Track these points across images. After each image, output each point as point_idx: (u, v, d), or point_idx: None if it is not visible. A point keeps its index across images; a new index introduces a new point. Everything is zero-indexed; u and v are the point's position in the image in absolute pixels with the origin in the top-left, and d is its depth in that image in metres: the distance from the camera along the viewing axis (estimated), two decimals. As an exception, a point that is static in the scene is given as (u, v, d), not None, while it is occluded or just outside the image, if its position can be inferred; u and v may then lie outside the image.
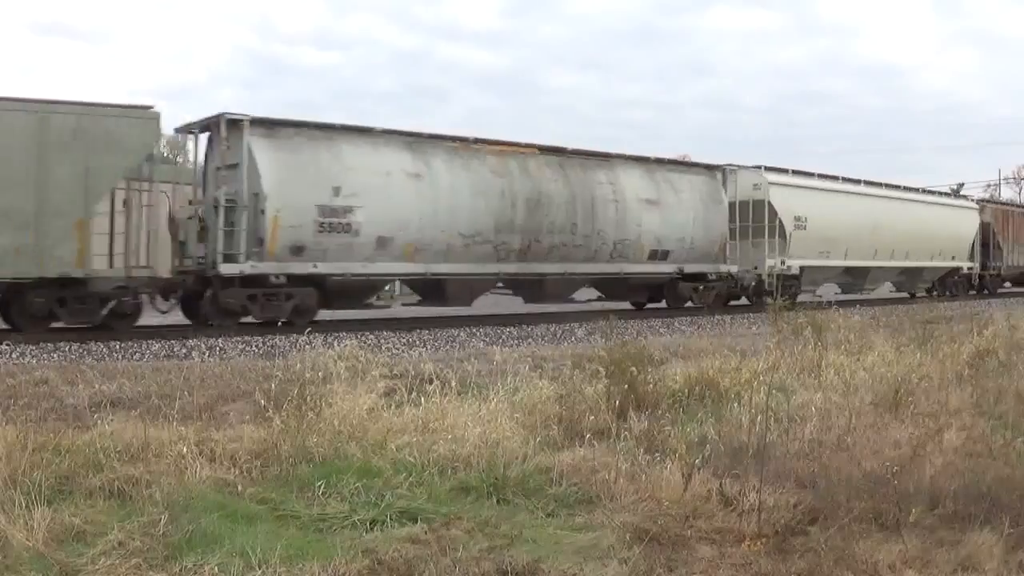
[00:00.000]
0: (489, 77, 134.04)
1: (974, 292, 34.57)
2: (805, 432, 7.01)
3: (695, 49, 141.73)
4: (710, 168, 24.51)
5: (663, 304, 23.21)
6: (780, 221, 25.06)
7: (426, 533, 4.88)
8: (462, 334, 16.37)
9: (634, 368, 7.95)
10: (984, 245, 35.93)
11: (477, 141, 19.57)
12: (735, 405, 7.80)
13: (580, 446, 6.54)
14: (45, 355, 12.34)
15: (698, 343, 13.88)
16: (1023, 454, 6.52)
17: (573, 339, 16.36)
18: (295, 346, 13.24)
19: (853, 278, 29.27)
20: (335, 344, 11.11)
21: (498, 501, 5.59)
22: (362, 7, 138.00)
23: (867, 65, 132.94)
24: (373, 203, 17.16)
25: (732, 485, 5.55)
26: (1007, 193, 72.46)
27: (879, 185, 30.30)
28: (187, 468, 5.67)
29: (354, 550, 4.60)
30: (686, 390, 8.66)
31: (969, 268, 34.63)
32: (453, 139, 19.29)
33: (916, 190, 32.72)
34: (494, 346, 13.78)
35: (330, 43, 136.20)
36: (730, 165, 24.96)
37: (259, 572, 4.22)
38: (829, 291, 28.49)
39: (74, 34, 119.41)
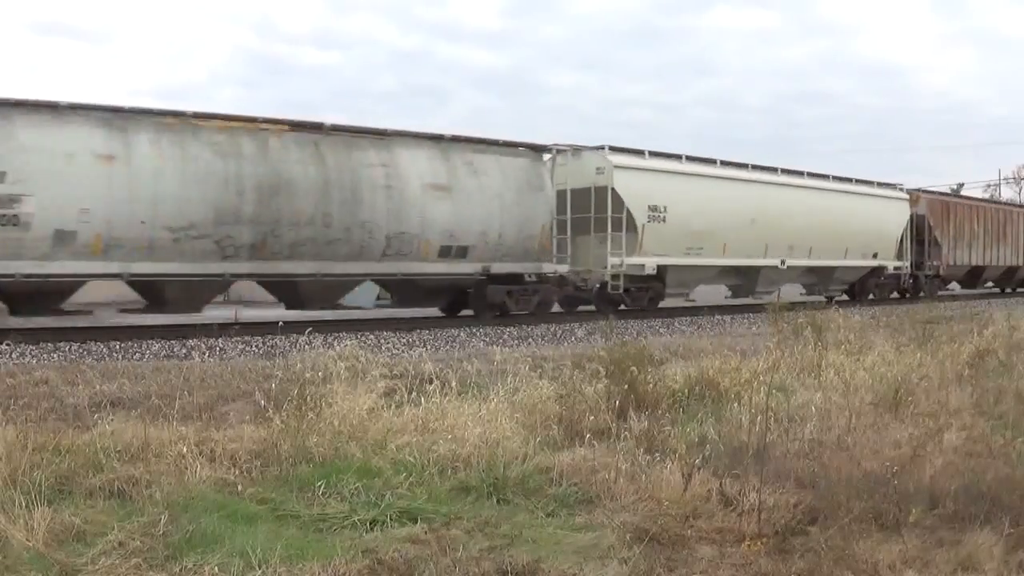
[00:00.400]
0: (489, 77, 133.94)
1: (906, 295, 29.99)
2: (805, 432, 7.01)
3: (695, 49, 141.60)
4: (533, 148, 20.40)
5: (476, 312, 19.48)
6: (629, 211, 20.90)
7: (426, 533, 4.88)
8: (462, 334, 16.37)
9: (634, 368, 7.95)
10: (919, 242, 31.18)
11: (198, 116, 16.19)
12: (735, 405, 7.80)
13: (580, 446, 6.54)
14: (45, 355, 12.34)
15: (698, 343, 13.90)
16: (1023, 454, 6.52)
17: (573, 339, 16.37)
18: (295, 346, 13.24)
19: (743, 279, 25.11)
20: (335, 344, 11.10)
21: (498, 501, 5.59)
22: (362, 7, 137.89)
23: (867, 65, 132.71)
24: (48, 191, 14.23)
25: (732, 485, 5.56)
26: (1007, 193, 72.42)
27: (772, 170, 25.59)
28: (187, 468, 5.67)
29: (354, 550, 4.60)
30: (686, 390, 8.66)
31: (897, 268, 29.73)
32: (166, 114, 16.02)
33: (825, 177, 27.49)
34: (494, 346, 13.77)
35: (330, 43, 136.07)
36: (561, 145, 21.08)
37: (259, 572, 4.22)
38: (714, 294, 25.40)
39: (74, 34, 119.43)
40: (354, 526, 5.04)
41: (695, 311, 22.16)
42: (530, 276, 19.66)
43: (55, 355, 12.38)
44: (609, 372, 8.12)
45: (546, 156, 20.70)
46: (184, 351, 13.03)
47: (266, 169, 16.24)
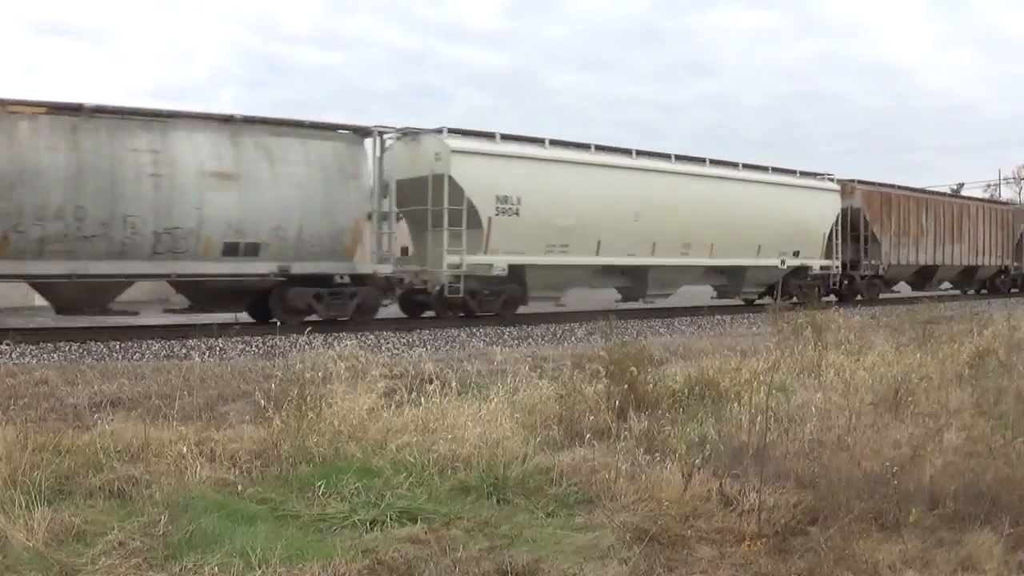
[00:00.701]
0: (490, 77, 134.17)
1: (832, 299, 24.73)
2: (805, 432, 7.01)
3: (696, 49, 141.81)
4: (352, 131, 17.60)
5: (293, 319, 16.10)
6: (471, 203, 18.02)
7: (426, 533, 4.88)
8: (462, 334, 16.37)
9: (634, 368, 7.95)
10: (854, 238, 27.71)
11: None
12: (735, 405, 7.80)
13: (580, 446, 6.54)
14: (45, 355, 12.34)
15: (698, 343, 13.90)
16: (1023, 454, 6.52)
17: (573, 339, 16.37)
18: (295, 346, 13.24)
19: (631, 281, 21.97)
20: (335, 344, 11.11)
21: (498, 501, 5.59)
22: (363, 7, 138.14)
23: (868, 65, 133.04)
24: None
25: (732, 485, 5.56)
26: (1007, 193, 72.30)
27: (664, 157, 22.12)
28: (187, 468, 5.67)
29: (354, 550, 4.61)
30: (686, 390, 8.65)
31: (824, 268, 26.03)
32: None
33: (733, 165, 23.74)
34: (494, 346, 13.78)
35: (331, 43, 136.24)
36: (388, 127, 18.25)
37: (259, 572, 4.22)
38: (597, 298, 22.48)
39: (75, 33, 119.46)
40: (354, 526, 5.04)
41: (695, 311, 22.11)
42: (342, 277, 17.08)
43: (55, 355, 12.39)
44: (609, 372, 8.12)
45: (368, 140, 17.65)
46: (184, 351, 13.03)
47: (9, 156, 14.11)
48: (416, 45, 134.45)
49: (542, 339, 16.27)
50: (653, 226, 21.08)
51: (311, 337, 12.45)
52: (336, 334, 14.10)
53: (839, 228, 26.64)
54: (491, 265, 18.48)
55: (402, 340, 14.96)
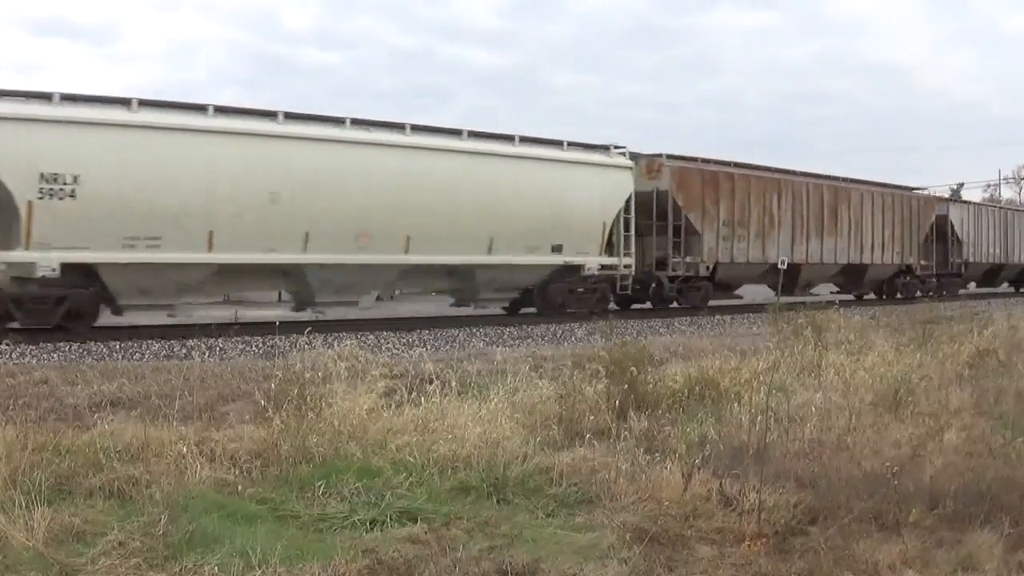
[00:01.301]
0: (491, 77, 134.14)
1: (599, 309, 19.58)
2: (805, 432, 7.00)
3: (697, 49, 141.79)
4: None
5: None
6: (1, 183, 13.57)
7: (426, 533, 4.88)
8: (462, 334, 16.36)
9: (634, 368, 7.95)
10: (663, 230, 21.80)
11: None
12: (735, 405, 7.80)
13: (580, 446, 6.54)
14: (45, 355, 12.33)
15: (698, 343, 13.89)
16: (1023, 454, 6.52)
17: (573, 339, 16.36)
18: (295, 346, 13.22)
19: (293, 283, 17.12)
20: (335, 344, 11.10)
21: (498, 501, 5.59)
22: (363, 7, 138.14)
23: (868, 65, 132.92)
24: None
25: (732, 485, 5.55)
26: (1007, 193, 72.23)
27: (335, 122, 16.63)
28: (187, 468, 5.67)
29: (354, 550, 4.60)
30: (686, 390, 8.65)
31: (605, 267, 20.15)
32: None
33: (455, 132, 18.12)
34: (494, 346, 13.79)
35: (331, 43, 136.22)
36: None
37: (259, 572, 4.22)
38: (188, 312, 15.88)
39: (75, 33, 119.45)
40: (354, 526, 5.04)
41: (695, 311, 22.04)
42: None
43: (55, 355, 12.38)
44: (609, 372, 8.12)
45: None
46: (184, 351, 13.03)
47: None
48: (417, 45, 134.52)
49: (542, 339, 16.27)
50: (302, 211, 15.82)
51: (311, 337, 12.45)
52: (336, 334, 14.09)
53: (633, 216, 20.60)
54: (33, 265, 13.78)
55: (402, 340, 14.96)
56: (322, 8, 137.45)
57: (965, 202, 36.80)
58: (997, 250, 35.22)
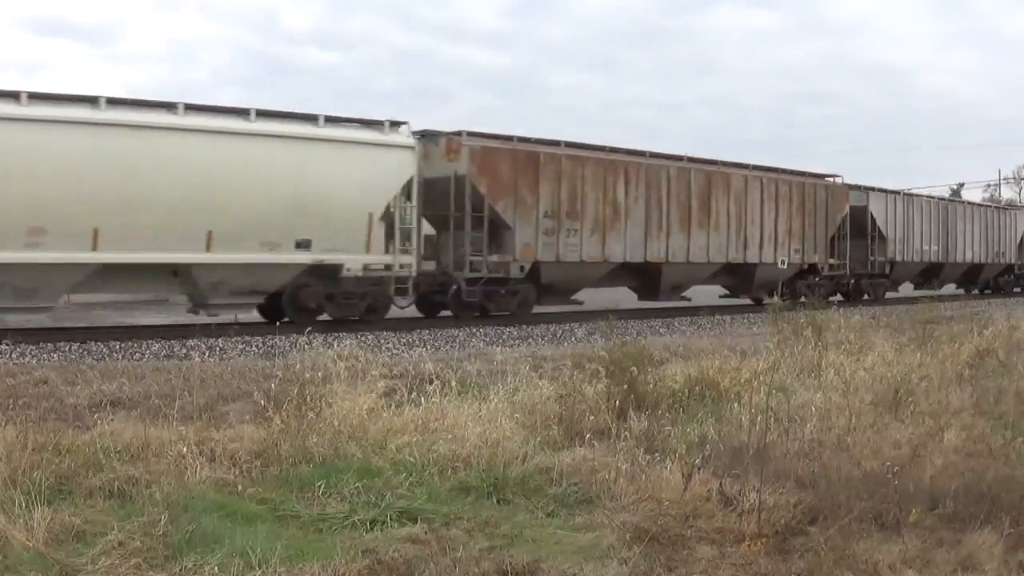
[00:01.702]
0: (492, 77, 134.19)
1: (374, 318, 16.95)
2: (805, 432, 7.01)
3: (698, 49, 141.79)
4: None
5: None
6: None
7: (426, 533, 4.88)
8: (462, 334, 16.36)
9: (634, 368, 7.95)
10: (459, 223, 18.26)
11: None
12: (735, 405, 7.80)
13: (580, 446, 6.54)
14: (45, 355, 12.34)
15: (698, 343, 13.87)
16: (1023, 454, 6.52)
17: (573, 339, 16.36)
18: (295, 346, 13.23)
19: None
20: (335, 344, 11.11)
21: (498, 501, 5.59)
22: (365, 7, 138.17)
23: (869, 65, 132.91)
24: None
25: (732, 485, 5.55)
26: (1007, 193, 72.16)
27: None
28: (187, 468, 5.67)
29: (354, 550, 4.60)
30: (686, 390, 8.65)
31: (372, 267, 16.91)
32: None
33: (168, 106, 14.94)
34: (494, 346, 13.79)
35: (332, 43, 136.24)
36: None
37: (259, 572, 4.22)
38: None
39: (76, 33, 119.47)
40: (354, 526, 5.04)
41: (694, 311, 22.02)
42: None
43: (55, 355, 12.39)
44: (609, 372, 8.12)
45: None
46: (184, 351, 13.03)
47: None
48: (418, 45, 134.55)
49: (542, 339, 16.27)
50: None
51: (311, 337, 12.45)
52: (336, 334, 14.10)
53: (416, 206, 17.36)
54: None
55: (402, 340, 14.96)
56: (323, 8, 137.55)
57: (890, 192, 29.27)
58: (935, 247, 30.00)
